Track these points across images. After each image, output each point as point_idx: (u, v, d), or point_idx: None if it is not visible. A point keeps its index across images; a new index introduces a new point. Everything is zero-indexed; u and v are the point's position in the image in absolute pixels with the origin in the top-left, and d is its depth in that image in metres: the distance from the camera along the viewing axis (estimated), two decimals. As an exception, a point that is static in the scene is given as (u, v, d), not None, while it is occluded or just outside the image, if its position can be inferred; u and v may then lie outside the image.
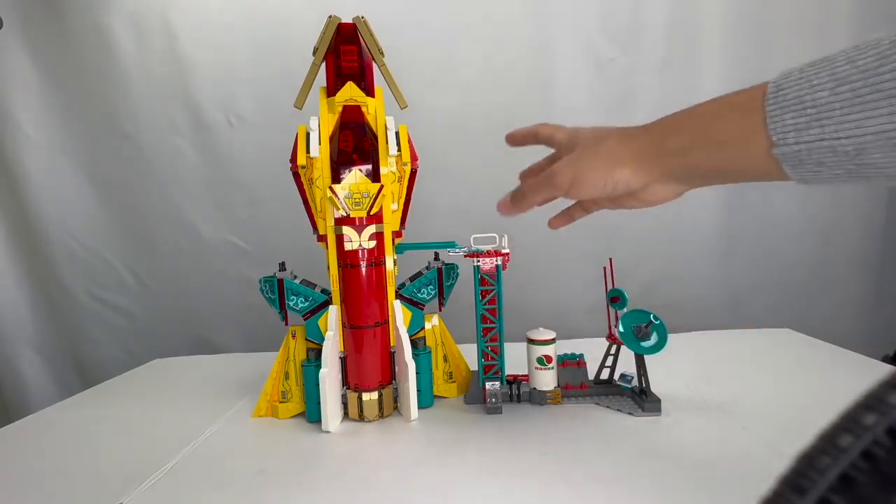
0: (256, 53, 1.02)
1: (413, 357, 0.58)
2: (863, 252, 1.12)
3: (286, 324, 0.61)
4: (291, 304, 0.59)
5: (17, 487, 0.49)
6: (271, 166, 1.01)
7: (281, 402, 0.61)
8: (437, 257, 0.65)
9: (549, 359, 0.59)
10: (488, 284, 0.59)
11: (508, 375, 0.62)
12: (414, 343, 0.61)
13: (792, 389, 0.62)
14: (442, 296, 0.64)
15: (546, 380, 0.60)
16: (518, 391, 0.61)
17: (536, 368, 0.60)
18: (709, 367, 0.71)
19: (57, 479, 0.50)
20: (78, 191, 1.08)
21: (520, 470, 0.46)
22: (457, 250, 0.60)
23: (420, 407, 0.60)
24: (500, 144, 0.54)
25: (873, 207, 1.11)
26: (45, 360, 1.14)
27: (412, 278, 0.63)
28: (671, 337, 0.56)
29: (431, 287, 0.63)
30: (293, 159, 0.57)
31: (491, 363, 0.61)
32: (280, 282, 0.59)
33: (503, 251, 0.59)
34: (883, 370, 0.41)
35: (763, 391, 0.62)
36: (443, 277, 0.63)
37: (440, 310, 0.65)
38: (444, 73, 1.03)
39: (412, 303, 0.62)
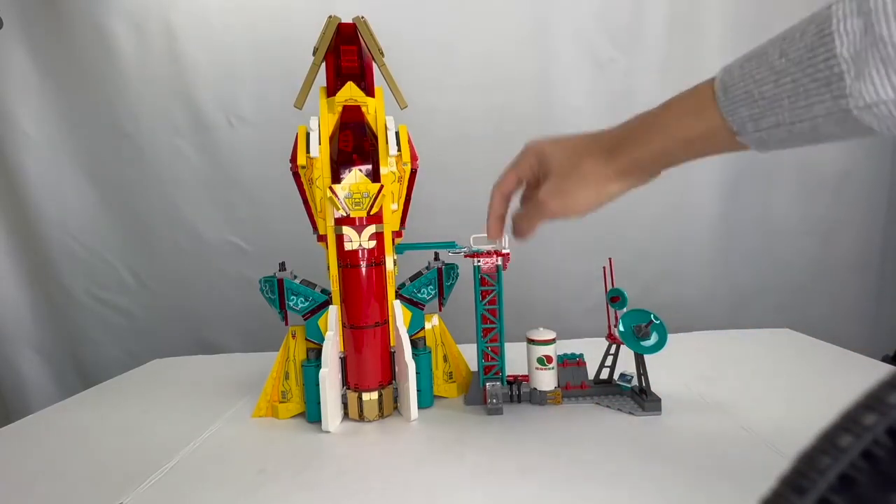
0: (256, 53, 1.02)
1: (413, 357, 0.58)
2: (863, 252, 1.12)
3: (286, 324, 0.61)
4: (291, 304, 0.59)
5: (17, 487, 0.49)
6: (271, 166, 1.01)
7: (281, 402, 0.61)
8: (437, 257, 0.65)
9: (549, 359, 0.59)
10: (488, 284, 0.59)
11: (509, 376, 0.62)
12: (414, 343, 0.61)
13: (792, 389, 0.62)
14: (442, 296, 0.64)
15: (546, 380, 0.60)
16: (518, 391, 0.61)
17: (537, 368, 0.60)
18: (709, 367, 0.71)
19: (57, 479, 0.50)
20: (78, 191, 1.08)
21: (520, 470, 0.46)
22: (457, 250, 0.60)
23: (420, 407, 0.60)
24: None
25: (873, 208, 1.11)
26: (45, 360, 1.14)
27: (412, 278, 0.63)
28: (671, 337, 0.56)
29: (431, 287, 0.63)
30: (293, 159, 0.57)
31: (491, 363, 0.61)
32: (280, 282, 0.59)
33: (503, 251, 0.59)
34: (883, 370, 0.41)
35: (763, 391, 0.62)
36: (443, 277, 0.63)
37: (440, 310, 0.65)
38: (444, 73, 1.03)
39: (412, 303, 0.62)
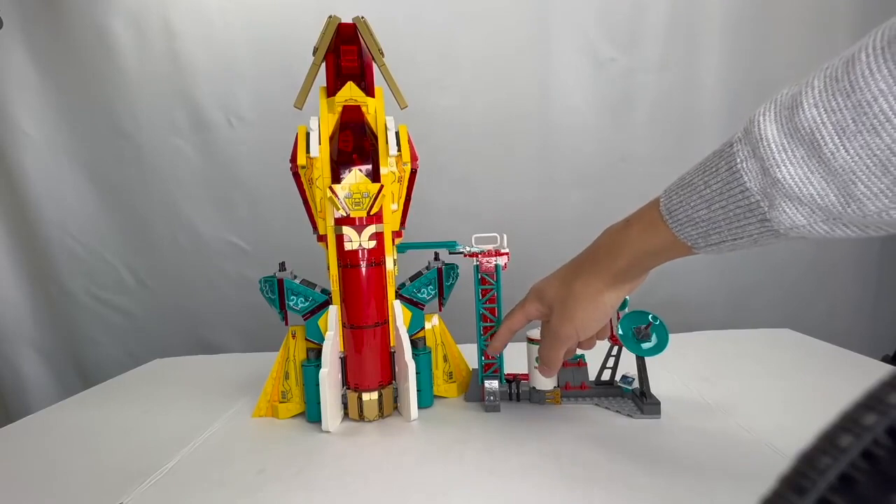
0: (256, 53, 1.02)
1: (413, 357, 0.58)
2: (862, 252, 1.12)
3: (286, 324, 0.61)
4: (291, 304, 0.59)
5: (17, 487, 0.49)
6: (271, 166, 1.01)
7: (281, 402, 0.61)
8: (437, 257, 0.65)
9: None
10: (488, 284, 0.59)
11: (508, 374, 0.62)
12: (414, 343, 0.61)
13: (792, 389, 0.62)
14: (442, 296, 0.64)
15: (545, 379, 0.60)
16: (517, 390, 0.61)
17: (536, 368, 0.60)
18: (709, 367, 0.71)
19: (57, 479, 0.50)
20: (78, 191, 1.08)
21: (520, 470, 0.46)
22: (457, 250, 0.60)
23: (420, 407, 0.60)
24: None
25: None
26: (45, 360, 1.14)
27: (412, 278, 0.63)
28: (671, 337, 0.56)
29: (431, 287, 0.63)
30: (293, 159, 0.57)
31: (490, 362, 0.61)
32: (280, 282, 0.59)
33: (503, 251, 0.59)
34: (883, 370, 0.41)
35: (763, 391, 0.62)
36: (443, 277, 0.63)
37: (440, 310, 0.65)
38: (444, 73, 1.03)
39: (412, 303, 0.62)
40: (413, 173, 0.60)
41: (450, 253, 0.60)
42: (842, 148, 0.25)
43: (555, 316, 0.47)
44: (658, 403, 0.56)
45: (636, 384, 0.59)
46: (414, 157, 0.60)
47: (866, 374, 0.37)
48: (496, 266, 0.59)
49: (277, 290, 0.59)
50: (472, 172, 1.05)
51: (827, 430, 0.14)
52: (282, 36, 1.01)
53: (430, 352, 0.63)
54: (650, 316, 0.56)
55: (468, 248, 0.59)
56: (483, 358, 0.61)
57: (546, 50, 1.03)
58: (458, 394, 0.65)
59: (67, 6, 1.00)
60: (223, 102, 1.04)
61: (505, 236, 0.59)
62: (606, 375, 0.62)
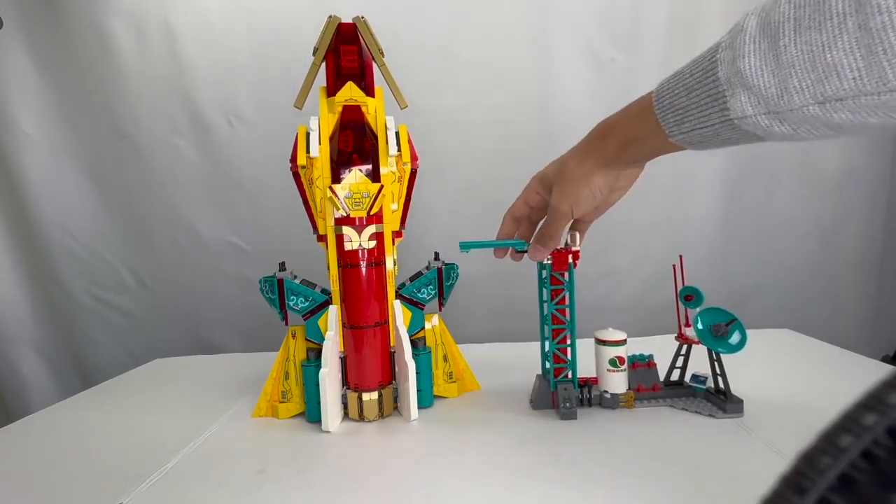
0: (256, 54, 1.02)
1: (413, 357, 0.58)
2: (863, 253, 1.12)
3: (286, 324, 0.61)
4: (291, 304, 0.59)
5: (17, 487, 0.49)
6: (271, 166, 1.01)
7: (281, 402, 0.61)
8: (437, 257, 0.65)
9: (621, 360, 0.57)
10: (559, 284, 0.57)
11: (580, 378, 0.59)
12: (414, 343, 0.61)
13: (792, 389, 0.62)
14: (442, 296, 0.64)
15: (618, 382, 0.57)
16: (589, 395, 0.58)
17: (608, 371, 0.57)
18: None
19: (57, 479, 0.50)
20: (78, 191, 1.07)
21: (520, 470, 0.46)
22: (525, 249, 0.55)
23: (420, 407, 0.60)
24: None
25: (873, 208, 1.11)
26: (45, 360, 1.14)
27: (412, 278, 0.63)
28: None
29: (431, 287, 0.63)
30: (293, 159, 0.57)
31: (561, 366, 0.58)
32: (280, 282, 0.59)
33: (574, 248, 0.56)
34: (883, 370, 0.41)
35: (763, 391, 0.61)
36: (443, 277, 0.63)
37: (440, 310, 0.65)
38: (444, 73, 1.03)
39: (412, 303, 0.62)
40: (413, 173, 0.60)
41: (517, 251, 0.56)
42: (792, 42, 0.28)
43: (554, 193, 0.50)
44: (741, 402, 0.54)
45: (710, 383, 0.57)
46: (414, 157, 0.60)
47: (866, 374, 0.37)
48: (568, 265, 0.56)
49: (277, 290, 0.59)
50: (473, 172, 1.05)
51: (827, 430, 0.14)
52: (282, 36, 1.01)
53: (430, 352, 0.63)
54: (731, 314, 0.55)
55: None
56: (553, 362, 0.57)
57: (546, 50, 1.03)
58: (458, 394, 0.65)
59: (67, 6, 1.00)
60: (223, 102, 1.04)
61: (577, 234, 0.55)
62: (675, 375, 0.60)
